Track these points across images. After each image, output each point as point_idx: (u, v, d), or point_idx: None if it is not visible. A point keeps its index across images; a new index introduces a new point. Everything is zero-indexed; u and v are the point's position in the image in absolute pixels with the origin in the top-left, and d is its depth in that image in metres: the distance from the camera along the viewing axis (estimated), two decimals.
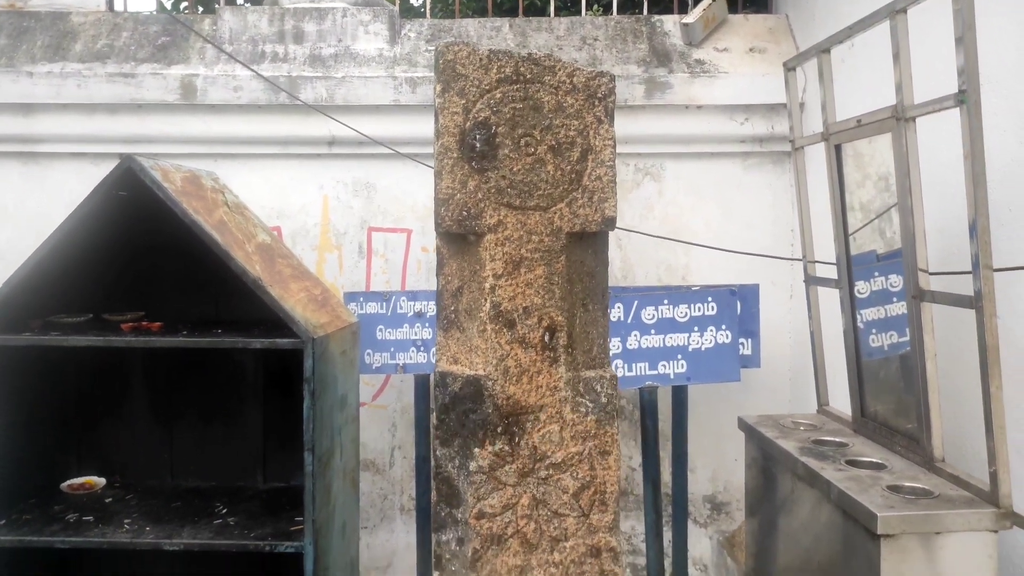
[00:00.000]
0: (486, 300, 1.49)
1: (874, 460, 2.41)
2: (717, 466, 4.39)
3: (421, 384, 3.91)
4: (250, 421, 3.36)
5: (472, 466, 1.49)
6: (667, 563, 3.95)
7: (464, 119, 1.46)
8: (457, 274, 1.54)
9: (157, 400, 3.37)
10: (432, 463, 1.54)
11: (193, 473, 3.36)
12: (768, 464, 2.76)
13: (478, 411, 1.49)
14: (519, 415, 1.49)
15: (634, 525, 4.41)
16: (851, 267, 2.72)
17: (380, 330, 3.84)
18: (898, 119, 2.26)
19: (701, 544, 4.40)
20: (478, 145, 1.47)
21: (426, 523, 3.92)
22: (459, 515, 1.51)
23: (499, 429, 1.48)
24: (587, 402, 1.48)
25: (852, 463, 2.39)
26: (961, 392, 2.55)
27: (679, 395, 3.87)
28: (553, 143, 1.48)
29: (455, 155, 1.49)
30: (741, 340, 3.67)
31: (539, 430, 1.49)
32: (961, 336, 2.57)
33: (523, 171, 1.49)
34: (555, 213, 1.50)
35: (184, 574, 3.39)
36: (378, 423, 4.38)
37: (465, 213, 1.51)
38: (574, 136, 1.49)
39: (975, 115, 1.93)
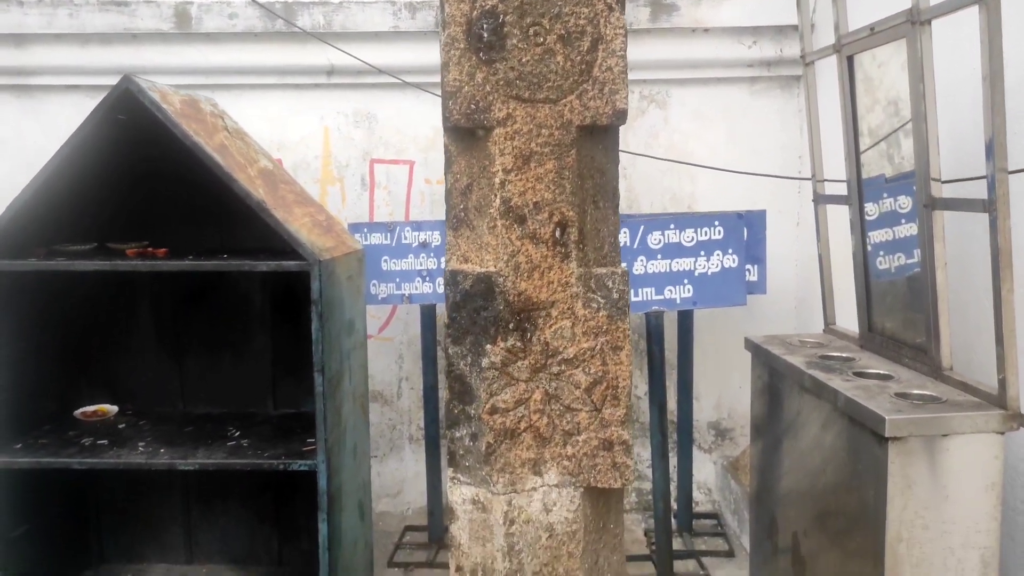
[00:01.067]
0: (496, 196, 1.47)
1: (881, 372, 2.42)
2: (722, 393, 4.43)
3: (427, 314, 3.92)
4: (258, 349, 3.37)
5: (484, 363, 1.49)
6: (672, 488, 4.02)
7: (471, 7, 1.42)
8: (466, 171, 1.52)
9: (164, 330, 3.38)
10: (444, 362, 1.55)
11: (204, 400, 3.39)
12: (774, 381, 2.77)
13: (489, 308, 1.49)
14: (531, 311, 1.48)
15: (639, 452, 4.48)
16: (861, 180, 2.69)
17: (385, 261, 3.84)
18: (913, 23, 2.20)
19: (706, 469, 4.47)
20: (485, 35, 1.43)
21: (435, 451, 3.98)
22: (472, 411, 1.52)
23: (511, 326, 1.48)
24: (599, 298, 1.47)
25: (859, 375, 2.41)
26: (968, 306, 2.54)
27: (684, 322, 3.89)
28: (563, 32, 1.44)
29: (462, 46, 1.45)
30: (747, 267, 3.65)
31: (551, 326, 1.49)
32: (969, 251, 2.56)
33: (532, 62, 1.46)
34: (565, 106, 1.47)
35: (198, 500, 3.46)
36: (385, 355, 4.41)
37: (473, 107, 1.48)
38: (584, 25, 1.44)
39: (994, 10, 1.88)
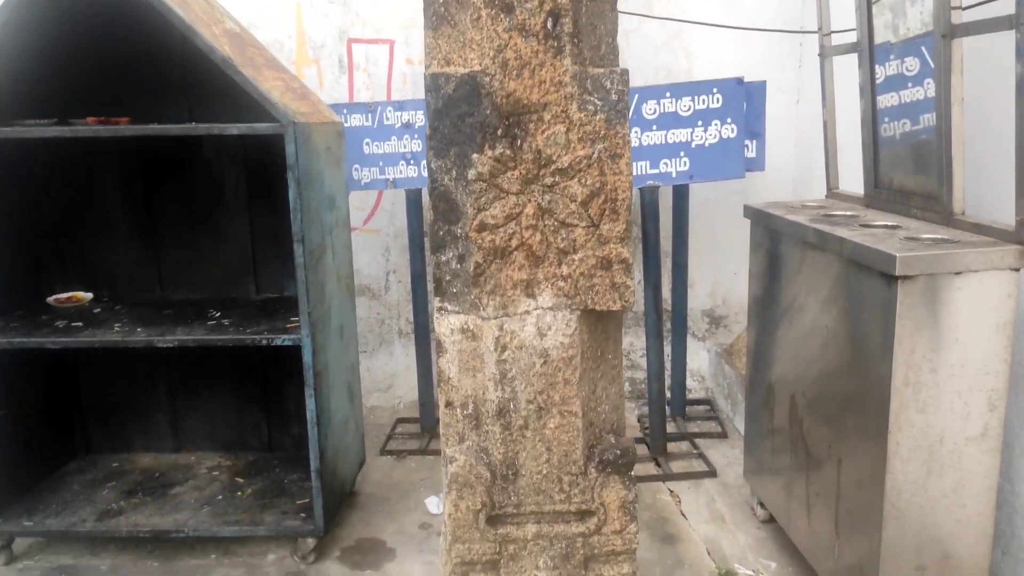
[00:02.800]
0: None
1: (889, 223, 2.31)
2: (716, 281, 4.35)
3: (413, 199, 3.77)
4: (237, 232, 3.23)
5: (471, 174, 1.36)
6: (666, 377, 3.97)
7: None
8: None
9: (137, 213, 3.23)
10: (428, 182, 1.41)
11: (182, 286, 3.27)
12: (775, 244, 2.67)
13: (475, 113, 1.35)
14: (521, 115, 1.34)
15: (632, 341, 4.42)
16: (871, 20, 2.52)
17: (367, 144, 3.66)
18: None
19: (699, 357, 4.43)
20: None
21: (424, 341, 3.90)
22: (458, 231, 1.40)
23: (499, 132, 1.34)
24: (595, 100, 1.34)
25: (866, 226, 2.30)
26: (981, 158, 2.42)
27: (680, 202, 3.75)
28: None
29: None
30: (746, 142, 3.50)
31: (543, 131, 1.35)
32: (985, 100, 2.42)
33: None
34: None
35: (183, 387, 3.38)
36: (371, 248, 4.28)
37: None
38: None
39: None
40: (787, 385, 2.63)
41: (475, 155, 1.35)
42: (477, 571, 1.51)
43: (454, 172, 1.38)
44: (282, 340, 2.65)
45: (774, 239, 2.68)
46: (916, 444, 2.00)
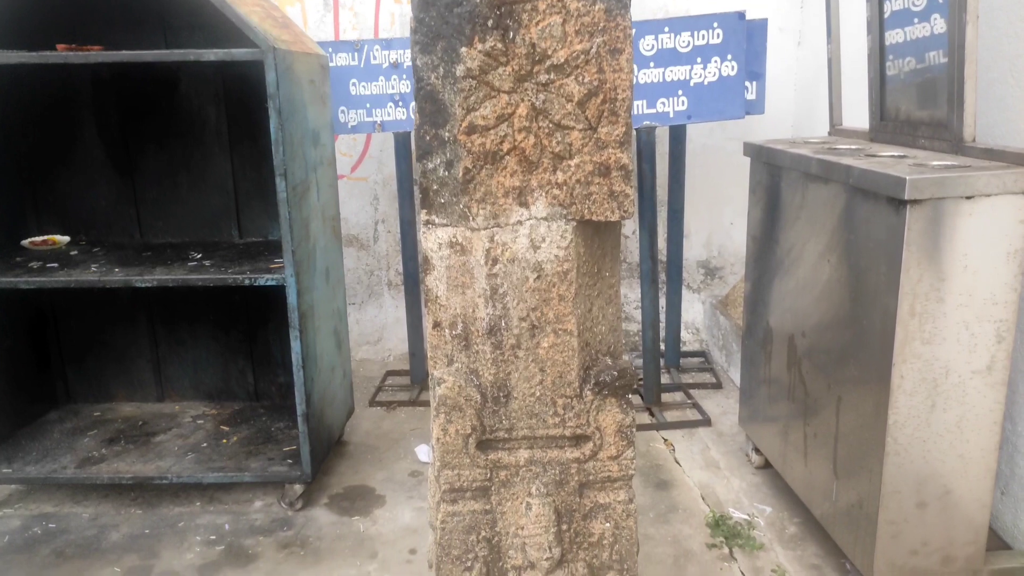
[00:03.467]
0: None
1: (895, 153, 2.22)
2: (712, 231, 4.26)
3: (402, 143, 3.65)
4: (219, 174, 3.12)
5: (459, 71, 1.26)
6: (660, 330, 3.90)
7: None
8: None
9: (115, 155, 3.10)
10: (413, 82, 1.31)
11: (163, 230, 3.16)
12: (776, 181, 2.58)
13: (464, 2, 1.24)
14: (513, 4, 1.24)
15: (626, 293, 4.35)
16: None
17: (353, 84, 3.53)
18: None
19: (694, 309, 4.36)
20: None
21: (414, 290, 3.81)
22: (446, 134, 1.30)
23: (490, 23, 1.24)
24: None
25: (872, 156, 2.21)
26: (992, 85, 2.33)
27: (676, 146, 3.65)
28: None
29: None
30: (746, 83, 3.38)
31: (538, 23, 1.25)
32: (995, 24, 2.32)
33: None
34: None
35: (166, 336, 3.29)
36: (359, 197, 4.17)
37: None
38: None
39: None
40: (786, 326, 2.56)
41: (464, 49, 1.25)
42: (467, 498, 1.44)
43: (441, 69, 1.27)
44: (265, 280, 2.55)
45: (775, 175, 2.59)
46: (921, 377, 1.94)
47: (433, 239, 1.38)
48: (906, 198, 1.80)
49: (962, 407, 1.97)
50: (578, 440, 1.44)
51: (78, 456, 2.89)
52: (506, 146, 1.29)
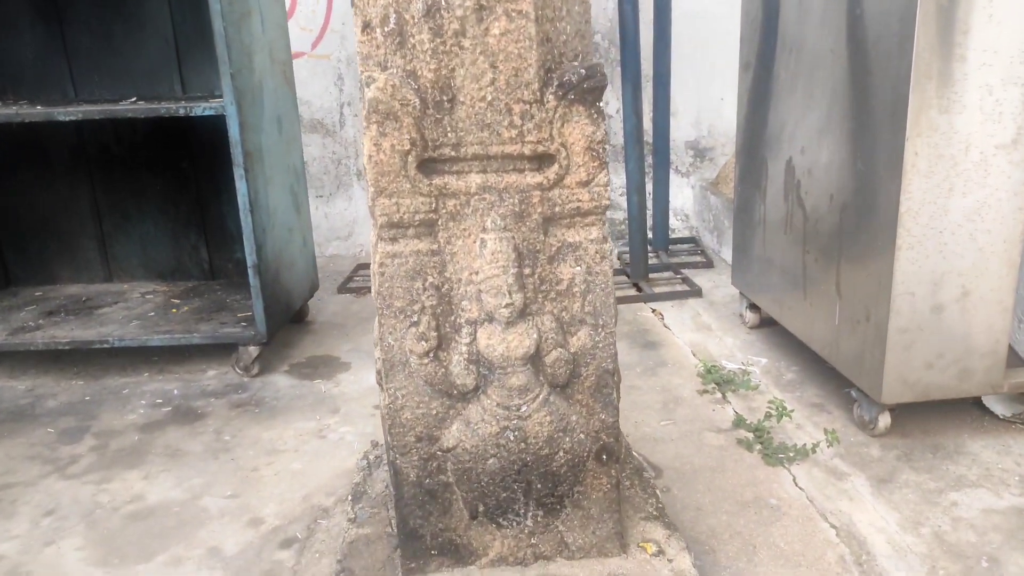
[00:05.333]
0: None
1: None
2: (701, 108, 4.00)
3: None
4: (156, 20, 2.82)
5: None
6: (648, 217, 3.65)
7: None
8: None
9: (41, 3, 2.80)
10: None
11: (98, 85, 2.88)
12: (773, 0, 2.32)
13: None
14: None
15: (611, 180, 4.10)
16: None
17: None
18: None
19: (683, 195, 4.12)
20: None
21: None
22: None
23: None
24: None
25: None
26: None
27: (662, 3, 3.37)
28: None
29: None
30: None
31: None
32: None
33: None
34: None
35: (112, 209, 3.02)
36: (322, 77, 3.88)
37: None
38: None
39: None
40: (782, 151, 2.33)
41: None
42: (409, 236, 1.20)
43: None
44: (202, 109, 2.29)
45: None
46: (938, 154, 1.70)
47: None
48: None
49: (983, 190, 1.74)
50: (540, 161, 1.20)
51: (11, 326, 2.64)
52: None
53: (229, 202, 2.99)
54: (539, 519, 1.35)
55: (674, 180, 4.02)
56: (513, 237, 1.21)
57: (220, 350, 2.66)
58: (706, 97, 3.97)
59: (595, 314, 1.26)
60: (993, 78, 1.66)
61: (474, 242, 1.21)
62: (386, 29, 1.14)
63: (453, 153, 1.17)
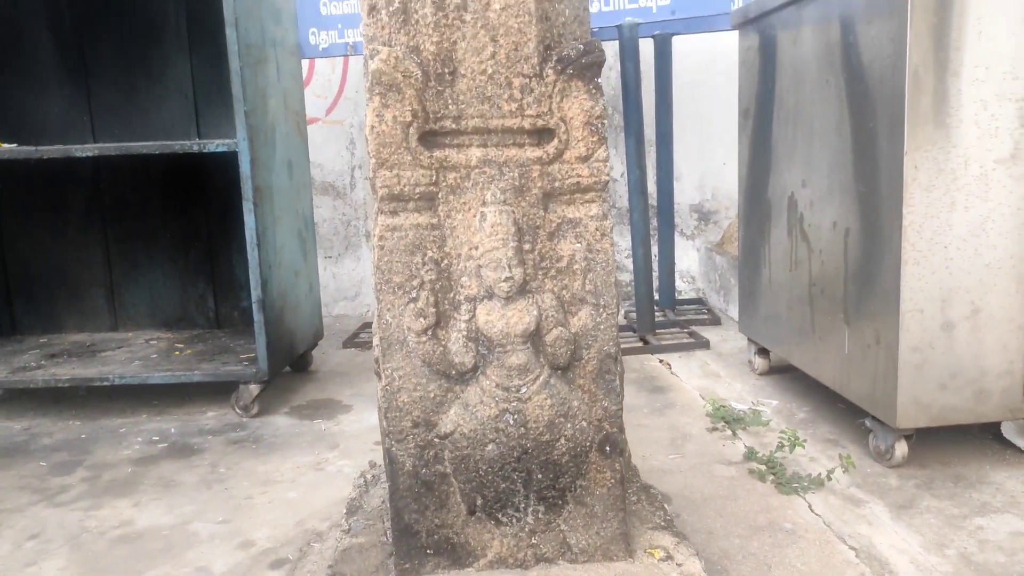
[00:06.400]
0: None
1: None
2: (704, 172, 4.08)
3: None
4: (177, 76, 2.95)
5: None
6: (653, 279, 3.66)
7: None
8: None
9: (68, 55, 2.94)
10: None
11: (118, 138, 2.97)
12: (767, 41, 2.41)
13: None
14: None
15: (618, 241, 4.14)
16: None
17: (324, 4, 3.41)
18: None
19: (688, 256, 4.14)
20: None
21: None
22: None
23: None
24: None
25: None
26: None
27: (662, 64, 3.50)
28: None
29: None
30: None
31: None
32: None
33: None
34: None
35: (121, 257, 3.06)
36: (335, 142, 4.01)
37: None
38: None
39: None
40: (783, 186, 2.35)
41: None
42: (409, 210, 1.21)
43: None
44: (215, 146, 2.35)
45: (766, 32, 2.42)
46: (937, 168, 1.72)
47: None
48: None
49: (986, 204, 1.75)
50: (540, 136, 1.22)
51: (12, 367, 2.63)
52: None
53: (239, 251, 3.02)
54: (540, 516, 1.28)
55: (679, 243, 4.05)
56: (513, 211, 1.21)
57: (220, 393, 2.62)
58: (709, 161, 4.05)
59: (596, 293, 1.24)
60: (987, 93, 1.69)
61: (474, 216, 1.21)
62: (391, 8, 1.19)
63: (454, 126, 1.19)
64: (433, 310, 1.22)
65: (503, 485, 1.26)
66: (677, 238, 4.00)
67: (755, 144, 2.55)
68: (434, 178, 1.19)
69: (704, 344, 3.17)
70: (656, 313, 3.48)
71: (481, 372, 1.24)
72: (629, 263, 4.00)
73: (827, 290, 2.13)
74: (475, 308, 1.22)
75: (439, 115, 1.18)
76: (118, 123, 2.96)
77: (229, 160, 2.51)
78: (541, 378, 1.23)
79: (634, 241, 3.29)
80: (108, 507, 1.91)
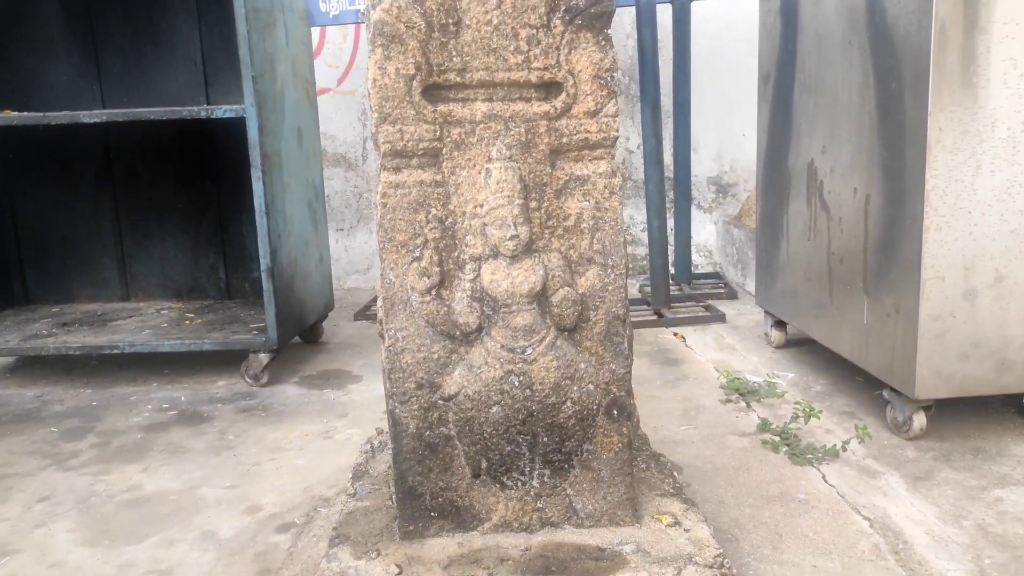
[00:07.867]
0: None
1: None
2: (722, 143, 4.00)
3: None
4: (186, 43, 2.92)
5: None
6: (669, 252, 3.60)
7: None
8: None
9: (76, 23, 2.92)
10: None
11: (127, 103, 2.94)
12: (790, 3, 2.33)
13: None
14: None
15: (632, 214, 4.08)
16: None
17: None
18: None
19: (705, 230, 4.08)
20: None
21: None
22: None
23: None
24: None
25: None
26: None
27: (681, 31, 3.41)
28: None
29: None
30: None
31: None
32: None
33: None
34: None
35: (132, 229, 3.06)
36: (346, 112, 3.97)
37: None
38: None
39: None
40: (803, 155, 2.29)
41: None
42: (412, 166, 1.17)
43: None
44: (223, 111, 2.33)
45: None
46: (963, 129, 1.66)
47: None
48: None
49: (1013, 168, 1.68)
50: (547, 90, 1.17)
51: (24, 335, 2.64)
52: None
53: (249, 222, 2.98)
54: (546, 479, 1.26)
55: (696, 216, 3.98)
56: (519, 168, 1.17)
57: (231, 363, 2.62)
58: (727, 132, 3.97)
59: (604, 253, 1.20)
60: (1017, 50, 1.63)
61: (479, 173, 1.18)
62: None
63: (459, 79, 1.15)
64: (437, 269, 1.19)
65: (508, 448, 1.24)
66: (694, 211, 3.93)
67: (775, 111, 2.48)
68: (438, 133, 1.16)
69: (720, 317, 3.12)
70: (672, 287, 3.43)
71: (486, 333, 1.21)
72: (644, 236, 3.94)
73: (846, 259, 2.07)
74: (480, 267, 1.19)
75: (443, 67, 1.15)
76: (126, 92, 2.94)
77: (239, 130, 2.48)
78: (547, 339, 1.20)
79: (649, 213, 3.24)
80: (117, 472, 1.91)
